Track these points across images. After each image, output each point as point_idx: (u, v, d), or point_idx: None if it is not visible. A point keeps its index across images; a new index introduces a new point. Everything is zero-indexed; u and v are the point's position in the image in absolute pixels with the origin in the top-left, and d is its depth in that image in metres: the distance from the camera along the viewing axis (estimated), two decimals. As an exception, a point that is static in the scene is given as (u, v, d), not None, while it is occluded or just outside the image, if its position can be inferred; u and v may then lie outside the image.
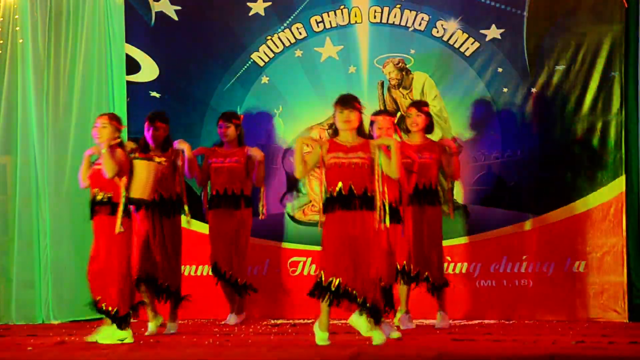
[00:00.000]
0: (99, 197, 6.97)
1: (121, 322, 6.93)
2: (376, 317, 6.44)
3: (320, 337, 6.53)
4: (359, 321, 6.51)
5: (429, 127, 7.83)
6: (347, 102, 6.58)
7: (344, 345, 6.52)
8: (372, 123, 7.19)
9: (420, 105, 7.87)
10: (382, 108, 8.66)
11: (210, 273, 8.32)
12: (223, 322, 8.29)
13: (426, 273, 7.63)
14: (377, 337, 6.44)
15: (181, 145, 7.68)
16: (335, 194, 6.48)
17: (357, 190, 6.46)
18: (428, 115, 7.82)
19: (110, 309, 6.92)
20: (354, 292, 6.41)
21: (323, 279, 6.45)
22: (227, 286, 8.27)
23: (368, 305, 6.41)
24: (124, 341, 6.90)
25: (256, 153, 8.25)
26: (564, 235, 8.28)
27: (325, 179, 6.55)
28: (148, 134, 7.73)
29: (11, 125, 8.90)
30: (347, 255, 6.42)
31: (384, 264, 6.91)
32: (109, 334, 6.94)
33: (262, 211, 8.36)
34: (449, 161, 7.72)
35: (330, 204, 6.50)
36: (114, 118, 7.08)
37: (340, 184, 6.48)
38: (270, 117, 8.86)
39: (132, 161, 7.00)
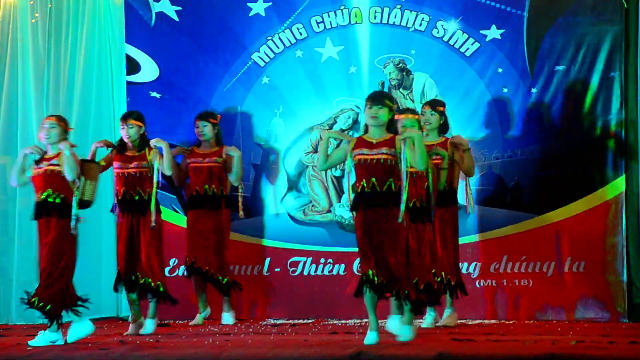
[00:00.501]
0: (50, 199, 6.93)
1: (54, 320, 6.92)
2: (415, 308, 6.58)
3: (368, 337, 6.51)
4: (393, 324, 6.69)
5: (443, 127, 7.79)
6: (376, 98, 6.62)
7: (344, 345, 6.51)
8: (396, 121, 7.19)
9: (435, 104, 7.83)
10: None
11: (184, 272, 8.38)
12: (193, 323, 8.30)
13: (442, 273, 7.61)
14: (406, 332, 6.52)
15: (159, 143, 7.66)
16: (359, 191, 6.53)
17: (380, 186, 6.49)
18: (442, 115, 7.79)
19: (42, 305, 6.90)
20: (386, 284, 6.46)
21: (364, 276, 6.51)
22: (203, 284, 8.30)
23: (401, 296, 6.47)
24: (55, 343, 6.88)
25: (234, 152, 8.27)
26: (564, 235, 8.27)
27: (352, 176, 6.59)
28: (122, 132, 7.72)
29: (11, 125, 8.92)
30: (375, 251, 6.48)
31: (414, 261, 7.02)
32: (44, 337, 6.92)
33: (241, 212, 8.38)
34: (462, 158, 7.70)
35: (356, 202, 6.56)
36: (62, 119, 7.11)
37: (363, 182, 6.52)
38: (270, 117, 8.86)
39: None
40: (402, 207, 6.45)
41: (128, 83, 8.97)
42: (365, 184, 6.52)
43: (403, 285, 6.49)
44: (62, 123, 7.07)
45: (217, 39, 8.89)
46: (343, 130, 8.74)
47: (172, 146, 8.11)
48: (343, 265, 8.64)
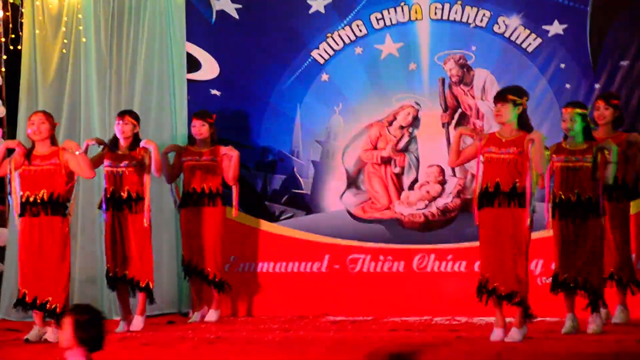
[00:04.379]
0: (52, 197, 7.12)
1: None
2: (524, 313, 6.47)
3: (493, 334, 6.51)
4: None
5: (618, 121, 7.62)
6: (499, 94, 6.60)
7: (404, 342, 6.48)
8: (561, 115, 7.17)
9: (609, 97, 7.65)
10: (443, 105, 8.60)
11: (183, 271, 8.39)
12: (191, 320, 8.26)
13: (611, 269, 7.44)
14: (512, 334, 6.46)
15: (148, 144, 7.73)
16: (483, 190, 6.49)
17: (504, 186, 6.43)
18: (617, 108, 7.62)
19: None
20: (500, 288, 6.40)
21: (481, 280, 6.50)
22: (200, 283, 8.29)
23: (514, 301, 6.41)
24: None
25: (232, 151, 8.29)
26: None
27: (480, 174, 6.55)
28: (117, 128, 7.83)
29: (74, 123, 8.97)
30: (494, 253, 6.44)
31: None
32: None
33: (234, 210, 8.36)
34: (635, 156, 7.50)
35: (480, 200, 6.52)
36: (50, 115, 7.26)
37: (487, 181, 6.47)
38: (329, 115, 8.84)
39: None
40: (530, 209, 6.38)
41: (189, 81, 9.01)
42: (489, 183, 6.47)
43: (520, 289, 6.40)
44: (51, 119, 7.22)
45: (277, 36, 8.90)
46: (402, 128, 8.71)
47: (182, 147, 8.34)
48: (402, 263, 8.60)
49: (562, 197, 6.91)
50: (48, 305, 6.99)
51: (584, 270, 6.90)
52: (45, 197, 7.07)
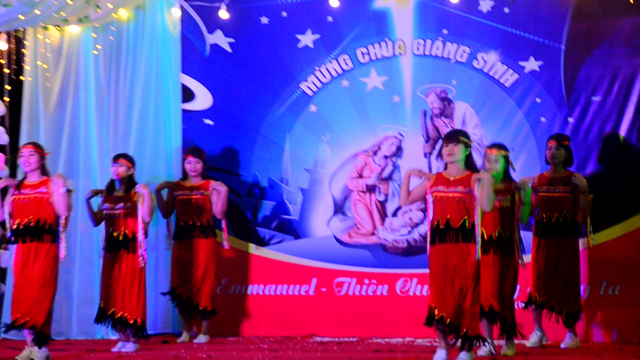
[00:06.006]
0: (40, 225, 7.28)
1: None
2: (469, 344, 6.64)
3: (436, 355, 6.66)
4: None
5: (568, 160, 7.92)
6: (451, 135, 6.75)
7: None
8: (484, 155, 7.42)
9: (561, 139, 7.93)
10: (425, 136, 8.87)
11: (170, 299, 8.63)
12: (179, 340, 8.51)
13: (552, 302, 7.79)
14: (461, 357, 6.62)
15: (143, 189, 7.90)
16: (434, 227, 6.67)
17: (454, 223, 6.60)
18: (567, 149, 7.91)
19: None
20: (449, 320, 6.57)
21: (430, 308, 6.66)
22: (188, 310, 8.55)
23: (461, 334, 6.58)
24: None
25: (221, 186, 8.55)
26: (600, 259, 8.31)
27: (431, 212, 6.72)
28: (112, 170, 8.02)
29: (74, 150, 9.16)
30: (444, 286, 6.59)
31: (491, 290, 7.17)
32: None
33: (225, 241, 8.63)
34: (578, 197, 7.81)
35: (431, 236, 6.69)
36: (39, 146, 7.39)
37: (438, 218, 6.65)
38: (317, 144, 9.06)
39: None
40: (477, 244, 6.56)
41: (183, 110, 9.22)
42: (440, 221, 6.65)
43: (466, 322, 6.57)
44: (40, 149, 7.38)
45: (268, 69, 9.12)
46: (386, 157, 8.98)
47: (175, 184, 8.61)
48: (386, 286, 8.80)
49: (484, 234, 7.12)
50: (28, 324, 7.10)
51: (501, 303, 7.24)
52: (33, 224, 7.20)
